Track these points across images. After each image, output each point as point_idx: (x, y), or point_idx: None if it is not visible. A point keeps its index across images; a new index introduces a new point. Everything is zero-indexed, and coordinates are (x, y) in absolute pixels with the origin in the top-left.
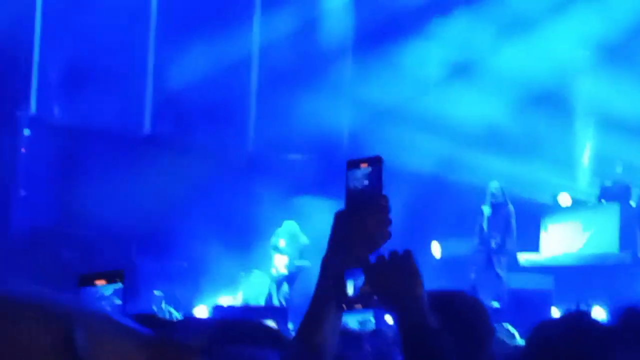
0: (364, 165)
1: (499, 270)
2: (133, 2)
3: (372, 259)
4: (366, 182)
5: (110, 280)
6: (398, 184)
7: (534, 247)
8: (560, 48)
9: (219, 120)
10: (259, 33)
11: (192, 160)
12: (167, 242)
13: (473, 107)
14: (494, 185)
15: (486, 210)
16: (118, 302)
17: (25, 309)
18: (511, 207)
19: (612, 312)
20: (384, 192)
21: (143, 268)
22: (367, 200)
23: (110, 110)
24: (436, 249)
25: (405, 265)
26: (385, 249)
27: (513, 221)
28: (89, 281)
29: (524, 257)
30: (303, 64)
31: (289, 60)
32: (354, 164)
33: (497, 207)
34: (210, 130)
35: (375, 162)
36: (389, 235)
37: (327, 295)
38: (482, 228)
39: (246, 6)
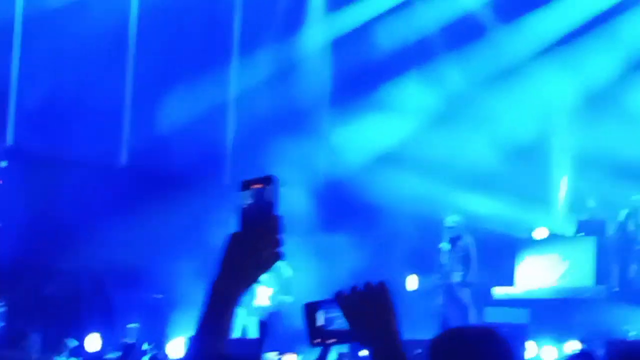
0: (258, 186)
1: (465, 303)
2: (112, 36)
3: (347, 290)
4: (260, 203)
5: None
6: (378, 220)
7: (510, 281)
8: (540, 92)
9: (196, 153)
10: (237, 76)
11: (169, 191)
12: (142, 274)
13: (455, 148)
14: (451, 219)
15: (445, 246)
16: None
17: None
18: (470, 239)
19: (588, 346)
20: (277, 212)
21: (119, 300)
22: (260, 220)
23: (87, 142)
24: (413, 282)
25: (380, 298)
26: (360, 280)
27: (473, 252)
28: None
29: (499, 291)
30: (281, 108)
31: (266, 104)
32: (247, 184)
33: (456, 241)
34: (188, 162)
35: (269, 182)
36: (280, 256)
37: (216, 318)
38: (441, 263)
39: (224, 50)
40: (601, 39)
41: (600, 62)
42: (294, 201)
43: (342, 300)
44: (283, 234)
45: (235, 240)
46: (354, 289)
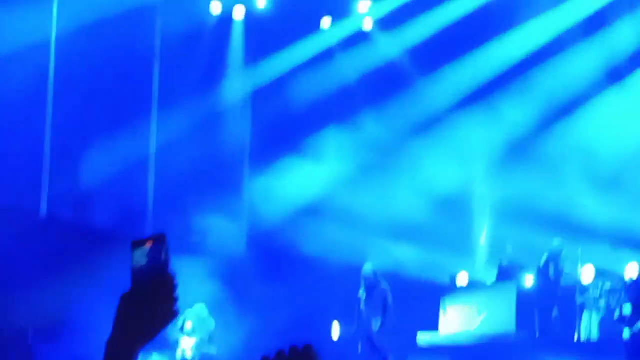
0: (148, 245)
1: (384, 350)
2: (30, 88)
3: (272, 354)
4: (152, 261)
5: None
6: (303, 270)
7: (433, 327)
8: (461, 142)
9: (117, 206)
10: (158, 129)
11: (90, 244)
12: (65, 326)
13: (378, 197)
14: (367, 268)
15: (362, 294)
16: None
17: None
18: (386, 286)
19: None
20: (170, 270)
21: (40, 353)
22: (153, 279)
23: (6, 193)
24: (335, 330)
25: None
26: (286, 343)
27: (390, 299)
28: None
29: (422, 337)
30: (202, 161)
31: (187, 157)
32: (138, 244)
33: (372, 289)
34: (107, 215)
35: (160, 241)
36: (176, 314)
37: None
38: (360, 312)
39: (144, 104)
40: (519, 90)
41: (518, 113)
42: (219, 253)
43: None
44: (176, 291)
45: (127, 301)
46: (279, 354)
